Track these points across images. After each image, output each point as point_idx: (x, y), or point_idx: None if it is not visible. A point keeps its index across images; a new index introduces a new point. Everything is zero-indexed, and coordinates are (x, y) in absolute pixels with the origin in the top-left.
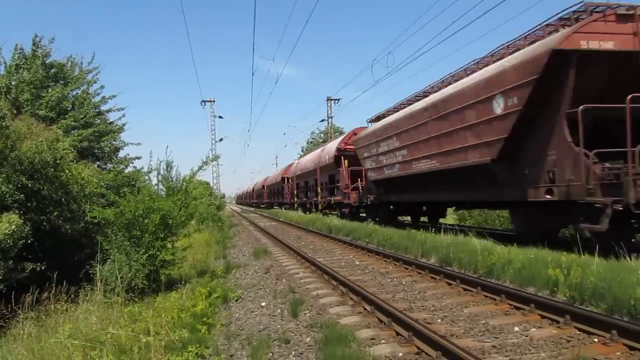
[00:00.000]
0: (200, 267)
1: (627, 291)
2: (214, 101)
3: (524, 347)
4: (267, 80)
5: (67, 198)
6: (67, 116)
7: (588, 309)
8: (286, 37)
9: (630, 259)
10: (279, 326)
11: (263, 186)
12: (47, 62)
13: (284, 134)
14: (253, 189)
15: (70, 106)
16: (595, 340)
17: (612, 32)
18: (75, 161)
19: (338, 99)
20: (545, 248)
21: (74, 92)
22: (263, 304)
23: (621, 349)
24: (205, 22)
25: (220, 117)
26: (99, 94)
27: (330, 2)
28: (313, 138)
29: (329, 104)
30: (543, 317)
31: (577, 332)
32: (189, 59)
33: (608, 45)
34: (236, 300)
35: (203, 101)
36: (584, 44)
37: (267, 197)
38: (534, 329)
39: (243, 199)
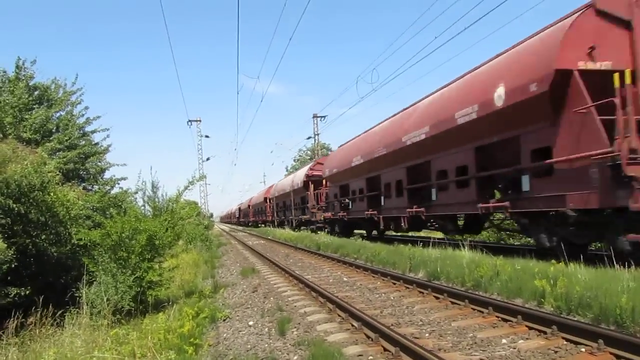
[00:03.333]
0: (188, 287)
1: (612, 300)
2: (200, 121)
3: (511, 359)
4: (252, 99)
5: (53, 221)
6: (51, 138)
7: (575, 319)
8: (270, 55)
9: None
10: (266, 345)
11: (249, 206)
12: (31, 84)
13: (271, 152)
14: (240, 209)
15: (55, 128)
16: (583, 350)
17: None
18: (60, 183)
19: (324, 116)
20: (533, 258)
21: (58, 114)
22: (251, 323)
23: (608, 357)
24: (189, 42)
25: (207, 136)
26: (83, 115)
27: (313, 20)
28: (300, 155)
29: (315, 121)
30: (530, 328)
31: (565, 342)
32: (174, 80)
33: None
34: (224, 320)
35: (189, 121)
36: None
37: (253, 216)
38: (522, 341)
39: (231, 218)
